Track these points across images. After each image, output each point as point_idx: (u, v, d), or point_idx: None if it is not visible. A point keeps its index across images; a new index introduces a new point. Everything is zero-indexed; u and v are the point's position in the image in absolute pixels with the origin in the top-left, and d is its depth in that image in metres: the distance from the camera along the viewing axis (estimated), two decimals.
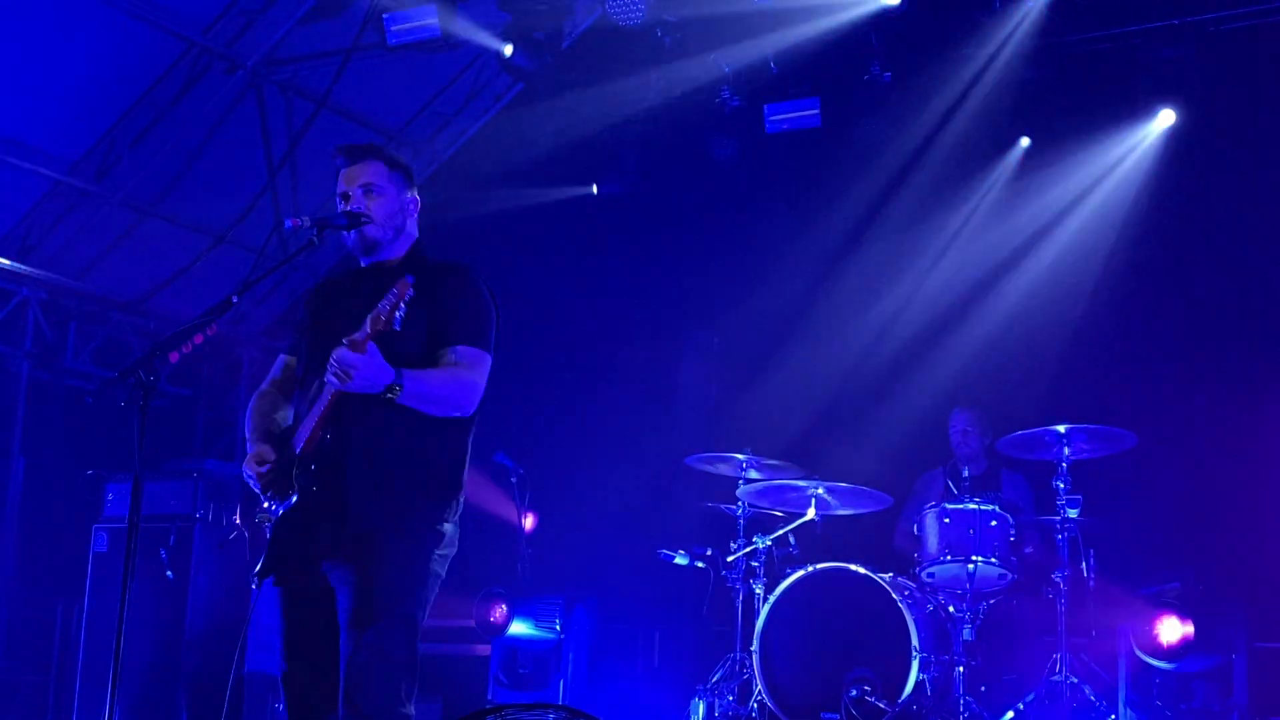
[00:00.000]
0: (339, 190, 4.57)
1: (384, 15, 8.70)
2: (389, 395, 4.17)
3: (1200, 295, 8.71)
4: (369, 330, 4.06)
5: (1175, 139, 8.98)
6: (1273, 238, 8.49)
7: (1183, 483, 7.97)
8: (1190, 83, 8.69)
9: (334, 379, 4.12)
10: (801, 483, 7.16)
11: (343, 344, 4.07)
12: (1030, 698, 6.92)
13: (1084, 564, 7.03)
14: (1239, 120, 8.68)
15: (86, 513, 8.43)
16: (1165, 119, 8.95)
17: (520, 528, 8.42)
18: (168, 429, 9.83)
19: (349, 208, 4.52)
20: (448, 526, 4.44)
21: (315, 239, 4.59)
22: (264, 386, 4.75)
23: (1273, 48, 8.44)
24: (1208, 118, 8.77)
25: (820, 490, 7.14)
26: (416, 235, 4.69)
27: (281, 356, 4.82)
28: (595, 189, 10.43)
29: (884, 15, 8.54)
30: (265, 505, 4.44)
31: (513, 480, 8.46)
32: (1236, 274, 8.63)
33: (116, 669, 4.29)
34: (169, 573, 7.90)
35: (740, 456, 7.33)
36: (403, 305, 4.06)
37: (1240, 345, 8.51)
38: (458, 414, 4.42)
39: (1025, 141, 9.44)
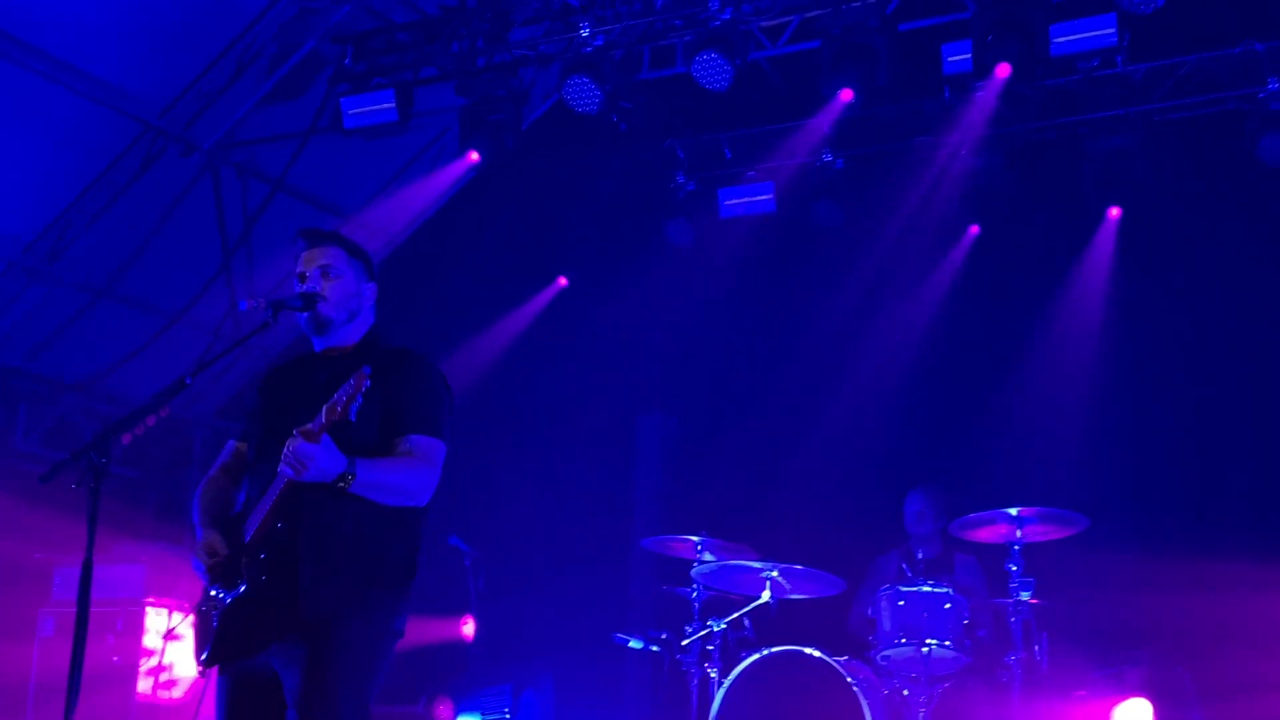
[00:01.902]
0: (296, 271, 4.59)
1: (341, 99, 8.79)
2: (341, 485, 4.16)
3: (1151, 380, 8.85)
4: (324, 421, 4.04)
5: (1123, 227, 9.18)
6: (1220, 323, 8.66)
7: (1136, 565, 8.01)
8: (1135, 171, 8.86)
9: (288, 469, 4.12)
10: (756, 565, 7.11)
11: (296, 434, 4.07)
12: None
13: (1037, 647, 7.03)
14: (1183, 208, 8.86)
15: (34, 597, 8.36)
16: (1113, 208, 9.16)
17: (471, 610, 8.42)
18: (117, 511, 9.73)
19: (304, 288, 4.55)
20: (401, 614, 4.44)
21: (270, 320, 4.62)
22: (213, 472, 4.72)
23: (1211, 137, 8.66)
24: (1153, 206, 8.96)
25: (774, 573, 7.09)
26: (373, 322, 4.73)
27: (231, 442, 4.79)
28: (564, 281, 10.55)
29: (836, 103, 8.63)
30: (213, 594, 4.42)
31: (467, 564, 8.46)
32: (1185, 359, 8.78)
33: None
34: (115, 658, 7.84)
35: (695, 539, 7.32)
36: (359, 396, 4.04)
37: (1191, 428, 8.64)
38: (411, 503, 4.41)
39: (975, 229, 9.60)
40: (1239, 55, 8.47)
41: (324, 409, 4.06)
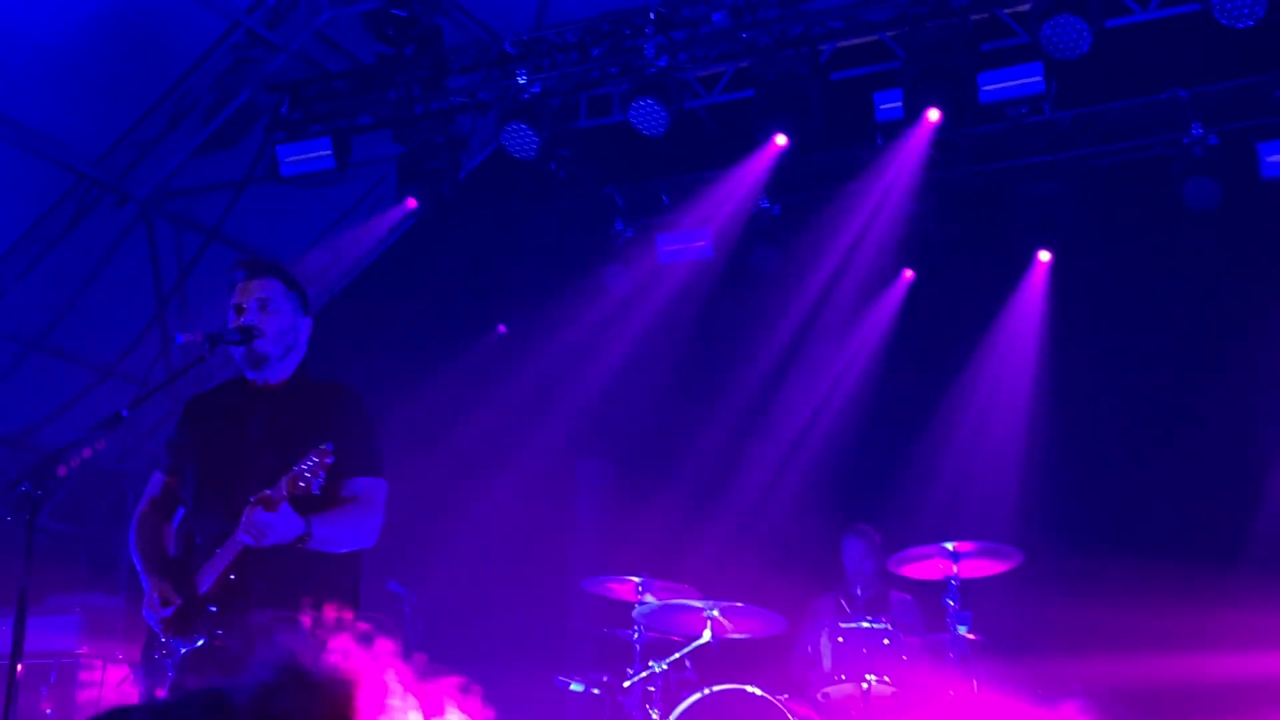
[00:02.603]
0: (233, 302, 4.59)
1: (278, 147, 8.82)
2: (298, 545, 4.20)
3: (1081, 417, 8.98)
4: (285, 493, 4.07)
5: (1053, 270, 9.35)
6: (1148, 363, 8.82)
7: (1070, 597, 8.07)
8: (1064, 216, 9.05)
9: (248, 538, 4.13)
10: (697, 604, 7.10)
11: (255, 503, 4.09)
12: None
13: (975, 681, 7.08)
14: (1112, 251, 9.03)
15: None
16: (1043, 252, 9.34)
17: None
18: (51, 565, 9.63)
19: (242, 320, 4.56)
20: None
21: (207, 354, 4.63)
22: (144, 508, 4.71)
23: (1138, 182, 8.86)
24: (1083, 249, 9.13)
25: (715, 612, 7.08)
26: (305, 355, 4.74)
27: (159, 475, 4.75)
28: (503, 328, 10.60)
29: (770, 150, 8.76)
30: (165, 643, 4.41)
31: (406, 609, 8.41)
32: (1115, 397, 8.93)
33: None
34: (48, 710, 7.74)
35: (636, 580, 7.28)
36: (322, 473, 4.10)
37: (1121, 463, 8.77)
38: (362, 547, 4.46)
39: (909, 274, 9.75)
40: (1164, 102, 8.69)
41: (284, 481, 4.09)
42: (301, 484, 4.06)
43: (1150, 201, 8.78)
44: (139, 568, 4.59)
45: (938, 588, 7.29)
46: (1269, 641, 7.76)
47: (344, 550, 4.37)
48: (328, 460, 4.08)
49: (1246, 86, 8.48)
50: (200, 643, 4.26)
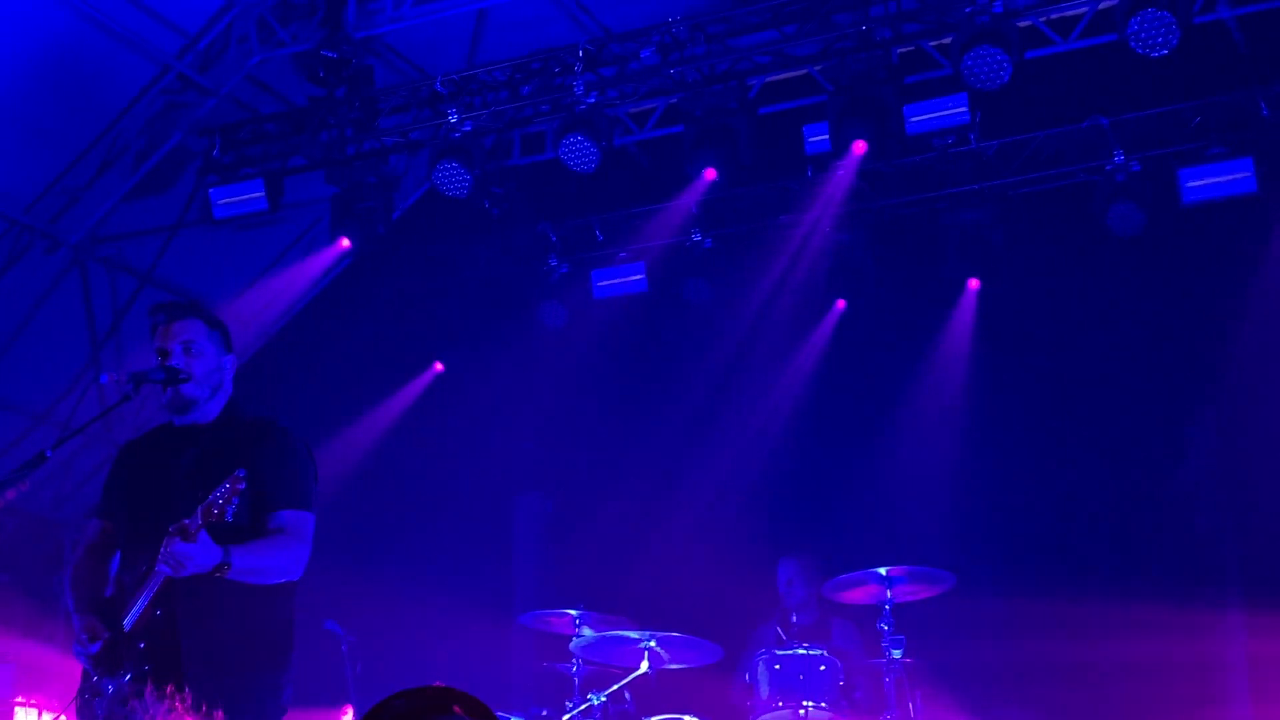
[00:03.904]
0: (156, 346, 4.60)
1: (210, 190, 8.84)
2: (218, 574, 4.23)
3: (1011, 441, 9.08)
4: (200, 521, 4.09)
5: (982, 297, 9.49)
6: (1076, 385, 8.96)
7: (1003, 618, 8.15)
8: (992, 243, 9.17)
9: (166, 568, 4.16)
10: (634, 635, 7.07)
11: (173, 533, 4.13)
12: None
13: (911, 704, 7.13)
14: (1039, 277, 9.16)
15: None
16: (972, 279, 9.47)
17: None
18: None
19: (167, 364, 4.59)
20: (286, 691, 4.48)
21: (132, 393, 4.65)
22: (80, 553, 4.69)
23: (1063, 209, 8.99)
24: (1010, 276, 9.26)
25: (653, 643, 7.06)
26: (231, 392, 4.78)
27: (96, 522, 4.74)
28: (440, 366, 10.63)
29: (701, 184, 8.85)
30: (95, 681, 4.43)
31: (344, 649, 8.39)
32: (1044, 421, 9.06)
33: None
34: None
35: (573, 612, 7.26)
36: (235, 499, 4.13)
37: (1050, 486, 8.87)
38: (286, 579, 4.48)
39: (841, 303, 9.85)
40: (1086, 130, 8.81)
41: (200, 509, 4.11)
42: (215, 511, 4.08)
43: (1075, 227, 8.90)
44: (70, 608, 4.60)
45: (874, 612, 7.32)
46: (1197, 657, 7.90)
47: (268, 581, 4.38)
48: (239, 486, 4.10)
49: (1166, 114, 8.63)
50: (128, 679, 4.28)
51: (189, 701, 4.09)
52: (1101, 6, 7.69)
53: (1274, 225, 8.41)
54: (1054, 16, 7.89)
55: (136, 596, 4.31)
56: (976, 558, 8.00)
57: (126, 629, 4.30)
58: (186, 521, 4.08)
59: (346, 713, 8.47)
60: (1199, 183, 8.35)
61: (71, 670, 4.52)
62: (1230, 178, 8.28)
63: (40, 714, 7.95)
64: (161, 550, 4.11)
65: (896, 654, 7.05)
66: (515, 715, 7.52)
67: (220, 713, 4.06)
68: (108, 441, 9.61)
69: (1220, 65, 8.28)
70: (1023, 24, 7.70)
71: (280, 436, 4.61)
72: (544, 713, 7.48)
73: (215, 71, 9.00)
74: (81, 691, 4.47)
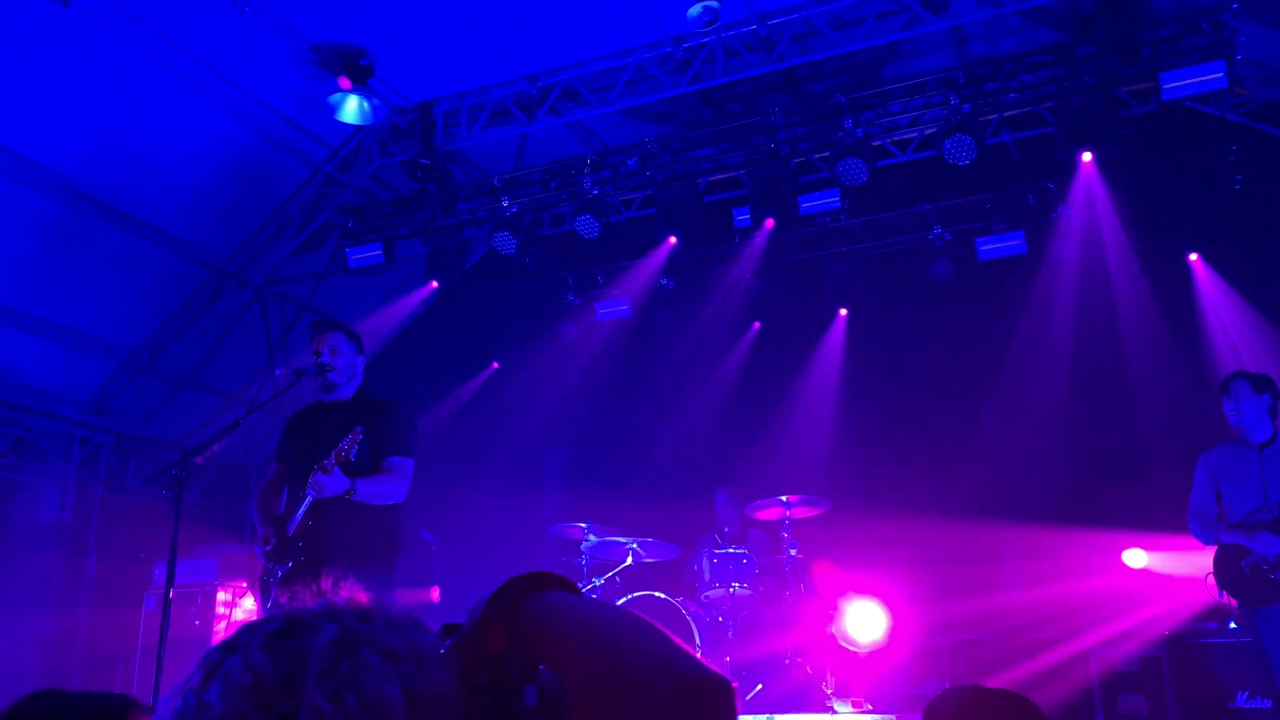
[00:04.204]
0: (312, 349, 4.66)
1: (346, 249, 8.85)
2: (347, 496, 4.25)
3: (872, 413, 9.14)
4: (333, 461, 4.15)
5: (849, 322, 9.54)
6: (915, 379, 9.00)
7: (863, 531, 8.18)
8: (855, 286, 9.23)
9: (312, 491, 4.19)
10: (622, 540, 7.19)
11: (316, 468, 4.16)
12: (763, 683, 6.97)
13: (802, 585, 7.19)
14: (887, 309, 9.23)
15: (140, 584, 8.16)
16: (841, 310, 9.52)
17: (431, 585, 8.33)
18: (198, 527, 9.55)
19: (319, 361, 4.62)
20: (395, 574, 4.50)
21: (295, 381, 4.68)
22: (263, 487, 4.77)
23: (902, 263, 9.04)
24: (867, 308, 9.33)
25: (635, 545, 7.18)
26: (361, 380, 4.80)
27: (273, 465, 4.83)
28: (496, 365, 10.63)
29: (666, 247, 8.87)
30: (269, 568, 4.44)
31: (433, 550, 8.40)
32: (893, 399, 9.12)
33: (158, 684, 4.22)
34: (196, 622, 7.66)
35: (583, 525, 7.34)
36: (355, 445, 4.18)
37: (897, 442, 8.92)
38: (393, 503, 4.51)
39: (757, 325, 9.89)
40: (916, 212, 8.89)
41: (334, 452, 4.16)
42: (342, 454, 4.13)
43: (909, 276, 8.95)
44: (255, 521, 4.63)
45: (778, 525, 7.39)
46: (982, 553, 7.92)
47: (381, 503, 4.41)
48: (358, 438, 4.16)
49: (967, 202, 8.69)
50: (289, 565, 4.30)
51: (331, 580, 4.09)
52: (926, 132, 7.72)
53: (1037, 274, 8.46)
54: (895, 139, 7.93)
55: (295, 512, 4.34)
56: (844, 490, 8.03)
57: (289, 533, 4.32)
58: (325, 461, 4.11)
59: (435, 591, 8.48)
60: (989, 247, 8.42)
61: (254, 564, 4.53)
62: (1009, 244, 8.34)
63: (234, 592, 7.91)
64: (309, 479, 4.14)
65: (793, 552, 7.11)
66: None
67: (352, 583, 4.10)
68: (278, 413, 9.54)
69: (1002, 171, 8.33)
70: (875, 143, 7.73)
71: (392, 408, 4.65)
72: None
73: (350, 172, 8.98)
74: (261, 575, 4.48)
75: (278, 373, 4.82)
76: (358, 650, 1.08)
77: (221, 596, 7.91)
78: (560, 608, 1.23)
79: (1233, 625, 6.29)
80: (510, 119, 8.28)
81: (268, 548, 4.42)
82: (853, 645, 6.91)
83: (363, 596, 1.21)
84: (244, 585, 7.95)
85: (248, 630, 1.12)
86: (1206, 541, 5.42)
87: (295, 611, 1.14)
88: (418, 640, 1.15)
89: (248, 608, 7.79)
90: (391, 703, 1.06)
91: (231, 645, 1.10)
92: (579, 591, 1.30)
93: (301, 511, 4.34)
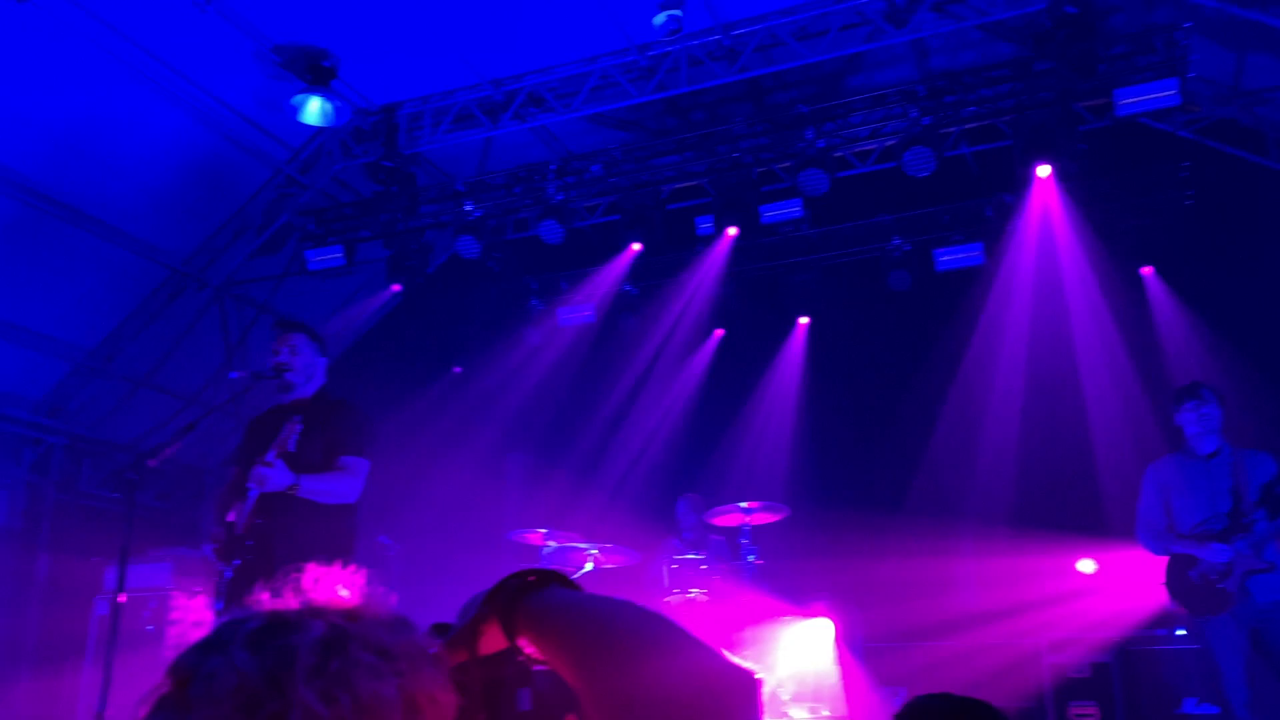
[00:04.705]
0: (272, 349, 4.63)
1: (306, 251, 8.76)
2: (291, 491, 4.21)
3: (829, 418, 9.18)
4: (274, 453, 4.13)
5: (810, 330, 9.59)
6: (870, 381, 9.08)
7: (821, 539, 8.21)
8: (815, 295, 9.29)
9: (253, 485, 4.16)
10: (583, 545, 7.16)
11: (258, 462, 4.14)
12: None
13: (759, 592, 7.16)
14: (845, 316, 9.28)
15: (92, 588, 8.01)
16: (801, 318, 9.57)
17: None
18: (154, 530, 9.39)
19: (277, 360, 4.58)
20: None
21: (251, 384, 4.64)
22: (223, 490, 4.74)
23: (861, 273, 9.10)
24: (827, 316, 9.39)
25: (595, 551, 7.14)
26: (323, 381, 4.75)
27: (233, 468, 4.79)
28: (458, 369, 10.56)
29: (630, 253, 8.86)
30: (219, 567, 4.40)
31: (390, 554, 8.31)
32: (850, 403, 9.17)
33: (106, 686, 4.15)
34: (149, 627, 7.54)
35: (543, 531, 7.26)
36: (294, 435, 4.15)
37: (854, 451, 8.98)
38: (343, 501, 4.46)
39: (719, 332, 9.92)
40: (875, 223, 8.95)
41: (274, 445, 4.14)
42: (281, 444, 4.12)
43: (868, 285, 9.00)
44: (211, 522, 4.60)
45: (737, 531, 7.38)
46: (940, 555, 7.99)
47: (329, 501, 4.36)
48: (297, 428, 4.14)
49: (926, 213, 8.77)
50: (237, 563, 4.26)
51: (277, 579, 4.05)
52: (886, 144, 7.80)
53: (994, 286, 8.55)
54: (855, 150, 7.99)
55: (243, 509, 4.30)
56: (803, 498, 8.05)
57: (238, 532, 4.28)
58: (266, 456, 4.10)
59: (392, 597, 8.33)
60: (948, 257, 8.49)
61: (210, 567, 4.49)
62: (966, 255, 8.42)
63: (188, 597, 7.78)
64: (250, 473, 4.12)
65: (751, 558, 7.11)
66: None
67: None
68: (236, 415, 9.47)
69: (961, 183, 8.42)
70: (836, 155, 7.79)
71: (348, 408, 4.64)
72: None
73: (312, 173, 8.92)
74: (217, 579, 4.43)
75: (232, 375, 4.76)
76: (346, 648, 1.03)
77: (176, 600, 7.78)
78: (564, 604, 1.19)
79: (1181, 633, 6.40)
80: (474, 123, 8.25)
81: (216, 545, 4.39)
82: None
83: (347, 592, 1.16)
84: (199, 589, 7.83)
85: (228, 629, 1.06)
86: (1158, 552, 5.51)
87: (278, 609, 1.09)
88: (409, 638, 1.10)
89: (201, 611, 7.68)
90: (387, 702, 1.01)
91: (211, 645, 1.04)
92: (578, 588, 1.26)
93: (247, 509, 4.30)
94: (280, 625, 1.05)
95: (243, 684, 0.99)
